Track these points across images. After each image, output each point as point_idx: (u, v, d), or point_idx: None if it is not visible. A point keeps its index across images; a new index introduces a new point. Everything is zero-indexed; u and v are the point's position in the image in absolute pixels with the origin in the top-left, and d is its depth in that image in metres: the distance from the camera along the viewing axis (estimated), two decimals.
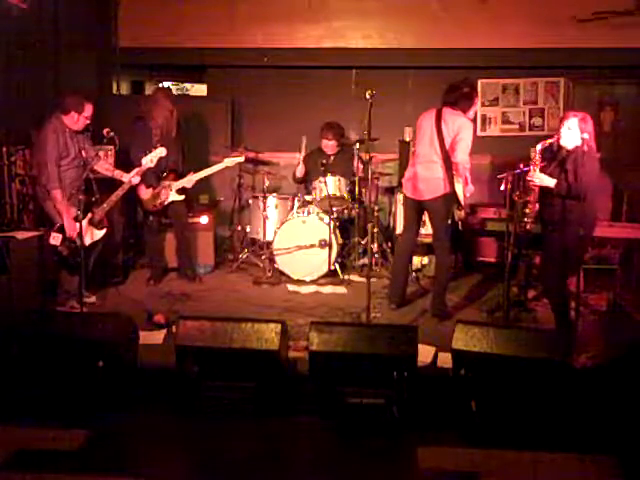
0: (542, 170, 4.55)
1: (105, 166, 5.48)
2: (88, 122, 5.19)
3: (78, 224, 5.05)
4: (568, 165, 4.47)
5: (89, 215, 5.17)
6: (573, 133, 4.48)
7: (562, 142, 4.53)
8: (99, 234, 5.31)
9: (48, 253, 5.20)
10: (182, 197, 6.02)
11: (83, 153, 5.16)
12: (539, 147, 4.57)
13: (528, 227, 4.68)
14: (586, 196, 4.44)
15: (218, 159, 6.40)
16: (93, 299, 5.41)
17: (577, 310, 4.49)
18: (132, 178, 5.38)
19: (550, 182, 4.50)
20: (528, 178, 4.57)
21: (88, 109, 5.16)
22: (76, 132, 5.21)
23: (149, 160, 5.43)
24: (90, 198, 5.04)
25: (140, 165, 5.43)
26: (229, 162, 6.17)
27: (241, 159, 6.29)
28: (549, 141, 4.57)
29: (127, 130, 5.76)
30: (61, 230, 5.14)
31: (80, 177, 5.14)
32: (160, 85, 8.41)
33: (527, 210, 4.65)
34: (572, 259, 4.60)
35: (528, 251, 5.58)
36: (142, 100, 6.47)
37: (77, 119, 5.14)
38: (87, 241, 5.12)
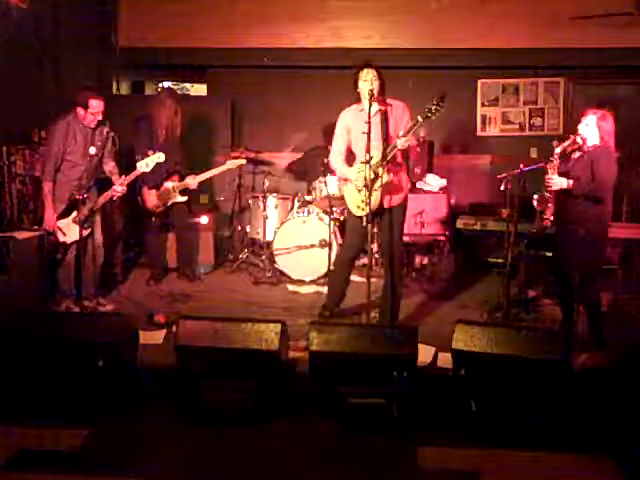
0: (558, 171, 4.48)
1: (109, 167, 5.33)
2: (98, 119, 5.07)
3: (65, 223, 5.07)
4: (584, 164, 4.39)
5: (74, 213, 5.07)
6: (590, 130, 4.43)
7: (579, 140, 4.43)
8: (83, 233, 5.12)
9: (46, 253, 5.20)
10: (185, 198, 6.02)
11: (91, 150, 5.04)
12: (558, 150, 4.46)
13: (546, 225, 4.60)
14: (603, 196, 4.36)
15: (218, 159, 6.40)
16: (109, 307, 5.32)
17: (577, 310, 4.48)
18: (120, 185, 5.12)
19: (567, 184, 4.40)
20: (546, 184, 4.47)
21: (94, 105, 5.01)
22: (91, 129, 5.10)
23: (144, 164, 5.17)
24: (78, 196, 4.94)
25: (135, 169, 5.22)
26: (231, 164, 6.16)
27: (243, 162, 6.29)
28: (566, 143, 4.47)
29: (128, 130, 5.75)
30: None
31: (86, 176, 5.09)
32: (162, 85, 8.41)
33: (545, 215, 4.58)
34: (592, 261, 4.49)
35: (529, 251, 5.58)
36: (146, 101, 6.45)
37: (84, 115, 5.04)
38: (69, 239, 5.10)
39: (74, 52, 6.81)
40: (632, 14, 6.85)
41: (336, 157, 4.77)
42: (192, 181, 5.94)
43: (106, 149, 5.23)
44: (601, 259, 4.69)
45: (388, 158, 4.46)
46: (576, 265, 4.41)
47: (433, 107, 4.29)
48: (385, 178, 4.48)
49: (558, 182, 4.42)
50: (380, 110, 4.55)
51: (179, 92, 8.99)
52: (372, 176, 4.39)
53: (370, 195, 4.33)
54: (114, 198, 5.21)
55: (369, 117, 4.30)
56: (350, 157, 4.79)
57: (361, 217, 4.52)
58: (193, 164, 6.24)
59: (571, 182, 4.39)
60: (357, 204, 4.67)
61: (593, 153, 4.40)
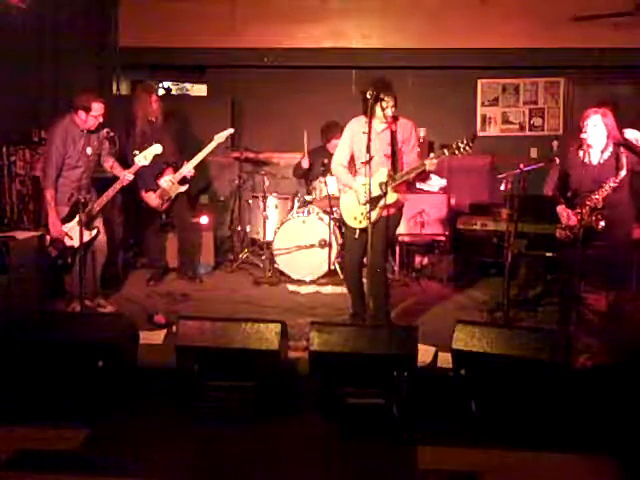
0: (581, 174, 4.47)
1: (109, 164, 5.29)
2: (99, 121, 5.03)
3: (70, 226, 5.04)
4: (610, 164, 4.37)
5: (77, 217, 4.93)
6: (599, 130, 4.42)
7: (590, 141, 4.42)
8: (90, 235, 5.12)
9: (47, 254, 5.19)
10: (186, 187, 5.99)
11: (88, 150, 5.00)
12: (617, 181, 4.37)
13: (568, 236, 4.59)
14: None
15: (218, 159, 6.39)
16: (110, 308, 5.28)
17: (577, 310, 4.48)
18: (125, 177, 5.13)
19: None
20: (597, 201, 4.35)
21: (97, 108, 4.99)
22: (90, 132, 5.06)
23: (143, 157, 5.16)
24: (80, 199, 4.83)
25: (133, 164, 5.20)
26: (219, 138, 6.03)
27: (231, 131, 6.22)
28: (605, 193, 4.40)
29: (126, 131, 5.75)
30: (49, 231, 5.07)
31: (85, 176, 5.04)
32: (142, 82, 8.34)
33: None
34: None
35: (528, 252, 5.57)
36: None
37: (85, 118, 5.00)
38: (77, 243, 5.07)
39: (74, 52, 6.81)
40: (632, 14, 6.85)
41: (339, 164, 4.74)
42: (187, 168, 5.91)
43: (104, 148, 5.19)
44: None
45: (409, 177, 4.47)
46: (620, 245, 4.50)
47: (462, 147, 4.30)
48: (393, 198, 4.51)
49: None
50: (389, 129, 4.53)
51: (179, 92, 9.00)
52: (378, 192, 4.40)
53: (372, 210, 4.31)
54: (124, 184, 5.15)
55: (369, 122, 4.29)
56: (351, 167, 4.74)
57: (355, 229, 4.60)
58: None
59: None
60: (354, 215, 4.64)
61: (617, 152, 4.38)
